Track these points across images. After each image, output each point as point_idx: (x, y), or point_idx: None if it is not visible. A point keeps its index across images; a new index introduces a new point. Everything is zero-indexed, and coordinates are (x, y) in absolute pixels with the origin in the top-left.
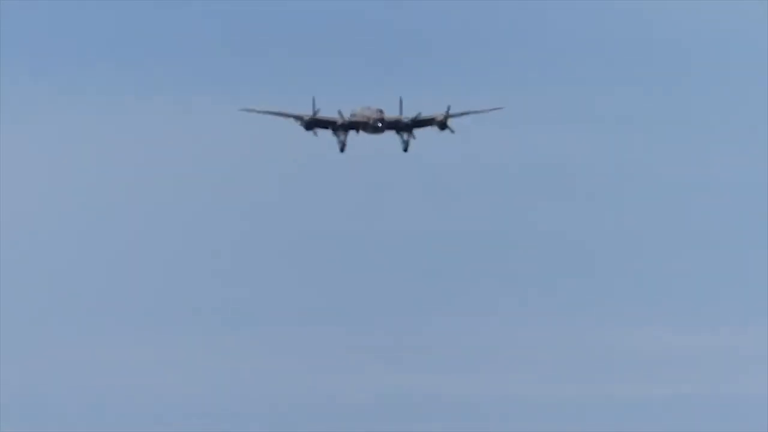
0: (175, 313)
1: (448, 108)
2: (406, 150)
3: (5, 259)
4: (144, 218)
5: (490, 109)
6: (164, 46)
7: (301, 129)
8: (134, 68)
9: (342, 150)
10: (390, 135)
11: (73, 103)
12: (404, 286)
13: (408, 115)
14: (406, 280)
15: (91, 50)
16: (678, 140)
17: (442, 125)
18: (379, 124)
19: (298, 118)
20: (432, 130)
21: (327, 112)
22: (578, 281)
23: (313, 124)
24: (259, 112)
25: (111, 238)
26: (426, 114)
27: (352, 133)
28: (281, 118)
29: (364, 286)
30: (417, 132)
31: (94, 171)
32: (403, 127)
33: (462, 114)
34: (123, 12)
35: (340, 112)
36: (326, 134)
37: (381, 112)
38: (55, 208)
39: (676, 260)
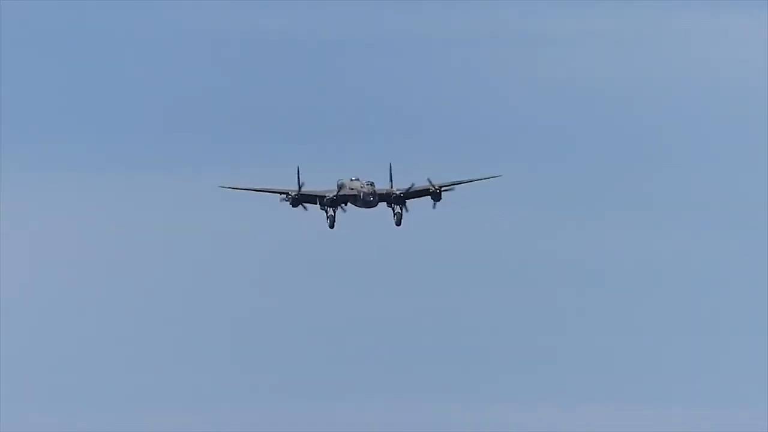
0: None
1: (429, 181)
2: (399, 224)
3: None
4: (120, 298)
5: (487, 178)
6: (143, 120)
7: (287, 205)
8: (112, 144)
9: (332, 226)
10: (382, 208)
11: (52, 179)
12: (391, 368)
13: (400, 186)
14: (396, 363)
15: (70, 126)
16: (678, 225)
17: (437, 196)
18: (371, 198)
19: (283, 193)
20: (426, 202)
21: (313, 186)
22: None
23: (300, 199)
24: (240, 189)
25: (85, 318)
26: (419, 185)
27: (341, 207)
28: (264, 195)
29: (353, 368)
30: (410, 203)
31: (70, 250)
32: (396, 200)
33: (457, 183)
34: (100, 86)
35: (325, 194)
36: (314, 209)
37: (372, 184)
38: (33, 288)
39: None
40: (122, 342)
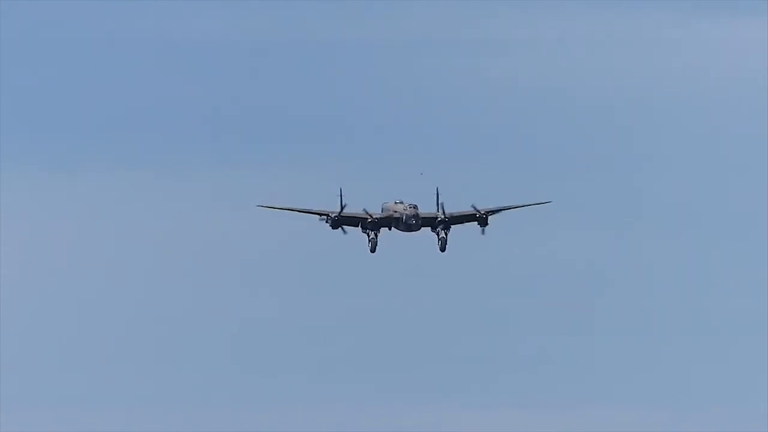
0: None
1: (474, 207)
2: (443, 249)
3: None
4: (158, 316)
5: (537, 203)
6: (182, 136)
7: (327, 227)
8: (149, 159)
9: (373, 250)
10: (425, 232)
11: (96, 200)
12: (435, 395)
13: (445, 210)
14: (442, 391)
15: (105, 148)
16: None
17: (483, 221)
18: (414, 221)
19: (323, 215)
20: (472, 227)
21: (355, 208)
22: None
23: (341, 221)
24: (278, 208)
25: (121, 337)
26: (465, 209)
27: (384, 230)
28: (303, 215)
29: (396, 397)
30: (455, 229)
31: (108, 265)
32: (440, 224)
33: (504, 209)
34: (144, 110)
35: (366, 211)
36: (355, 232)
37: (416, 207)
38: (63, 297)
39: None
40: (153, 363)
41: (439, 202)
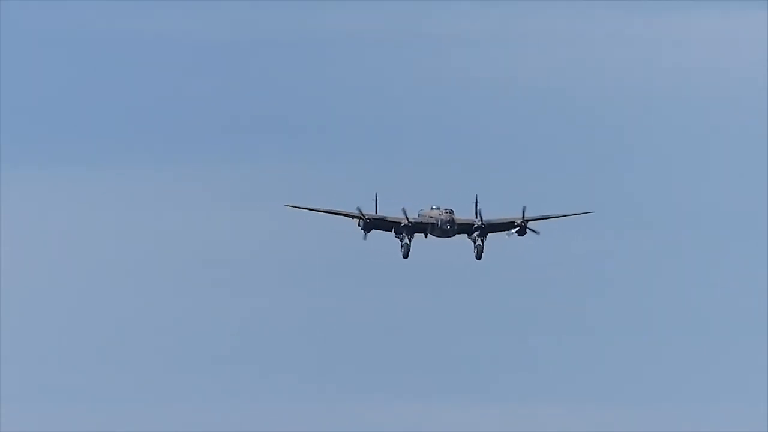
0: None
1: (524, 210)
2: (479, 257)
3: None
4: (183, 313)
5: (579, 213)
6: (211, 134)
7: (359, 230)
8: (176, 158)
9: (406, 255)
10: (461, 239)
11: (126, 197)
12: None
13: (483, 217)
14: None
15: (137, 148)
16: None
17: (522, 230)
18: (449, 226)
19: (355, 217)
20: (510, 236)
21: (389, 212)
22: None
23: (373, 224)
24: (307, 209)
25: (146, 333)
26: (503, 217)
27: (418, 236)
28: (334, 217)
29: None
30: (492, 237)
31: (133, 262)
32: (477, 231)
33: (545, 218)
34: (169, 109)
35: (404, 211)
36: (388, 237)
37: (451, 212)
38: (93, 297)
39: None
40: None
41: (478, 208)
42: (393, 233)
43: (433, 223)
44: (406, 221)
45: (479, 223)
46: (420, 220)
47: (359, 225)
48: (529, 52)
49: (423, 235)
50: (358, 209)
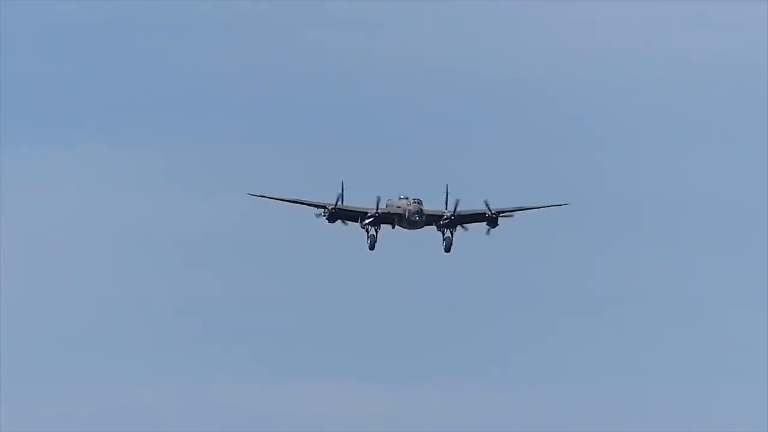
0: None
1: (486, 203)
2: (448, 250)
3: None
4: (140, 307)
5: (554, 205)
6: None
7: (323, 221)
8: (140, 144)
9: (372, 247)
10: (430, 231)
11: (89, 187)
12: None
13: (452, 208)
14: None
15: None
16: None
17: (493, 222)
18: (417, 217)
19: (319, 207)
20: (480, 227)
21: (354, 202)
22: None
23: (338, 215)
24: (270, 198)
25: (108, 324)
26: (473, 208)
27: (384, 227)
28: (297, 207)
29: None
30: (462, 229)
31: (93, 249)
32: (446, 223)
33: (519, 209)
34: (137, 95)
35: (377, 200)
36: (353, 228)
37: (420, 203)
38: (58, 291)
39: None
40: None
41: (449, 199)
42: (359, 224)
43: (400, 214)
44: (374, 211)
45: (449, 214)
46: (387, 211)
47: (323, 215)
48: (499, 38)
49: (390, 226)
50: (338, 195)
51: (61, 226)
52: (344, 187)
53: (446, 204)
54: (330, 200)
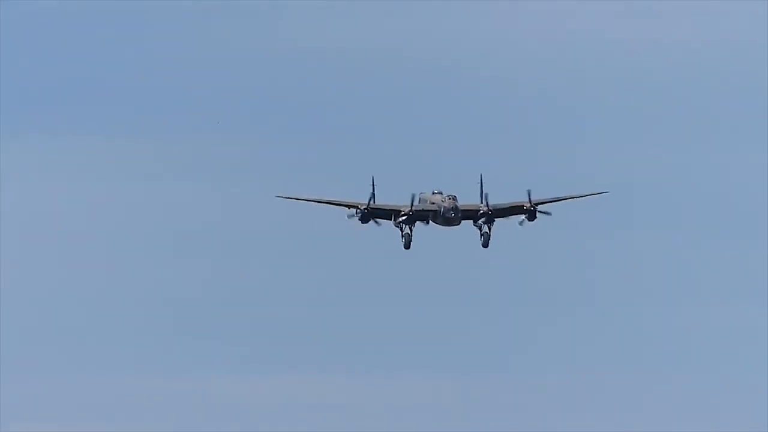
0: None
1: (529, 193)
2: (486, 245)
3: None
4: (165, 309)
5: (593, 194)
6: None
7: (356, 221)
8: (165, 146)
9: (407, 246)
10: (467, 226)
11: (113, 187)
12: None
13: (489, 202)
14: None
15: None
16: None
17: (532, 215)
18: (453, 214)
19: (352, 207)
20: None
21: (387, 199)
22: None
23: (371, 214)
24: (300, 199)
25: (136, 325)
26: (510, 201)
27: (419, 224)
28: (329, 207)
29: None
30: (500, 223)
31: (119, 250)
32: (483, 217)
33: (557, 200)
34: (160, 97)
35: (412, 198)
36: (388, 226)
37: (455, 199)
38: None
39: None
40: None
41: (483, 192)
42: (392, 222)
43: (435, 211)
44: (409, 209)
45: (485, 208)
46: (422, 207)
47: (355, 215)
48: (515, 29)
49: (424, 222)
50: (371, 195)
51: (63, 219)
52: (374, 184)
53: (481, 196)
54: (358, 199)
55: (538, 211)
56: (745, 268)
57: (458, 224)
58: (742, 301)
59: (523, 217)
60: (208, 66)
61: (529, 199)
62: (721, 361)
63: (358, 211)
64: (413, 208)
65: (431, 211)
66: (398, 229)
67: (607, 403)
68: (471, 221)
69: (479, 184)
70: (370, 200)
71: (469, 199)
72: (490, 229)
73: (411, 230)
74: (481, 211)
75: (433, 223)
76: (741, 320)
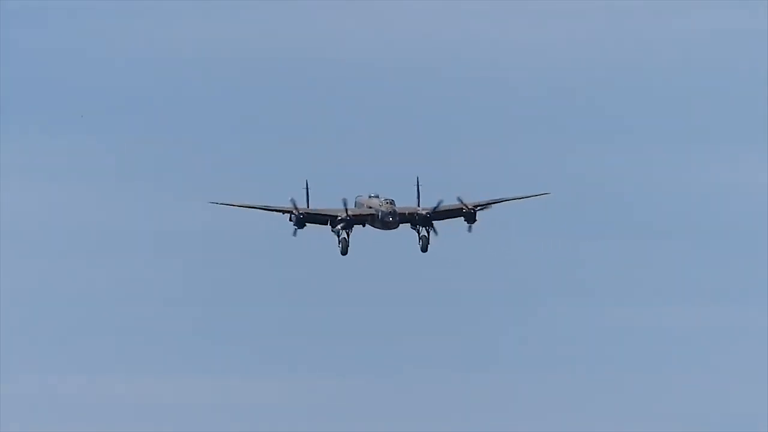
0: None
1: (460, 199)
2: (425, 249)
3: None
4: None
5: (534, 195)
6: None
7: (290, 226)
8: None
9: (344, 252)
10: (405, 230)
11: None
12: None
13: (427, 205)
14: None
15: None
16: None
17: (471, 217)
18: (391, 218)
19: (286, 212)
20: (458, 223)
21: (322, 204)
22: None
23: (306, 219)
24: (234, 205)
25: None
26: (449, 203)
27: (356, 228)
28: (262, 213)
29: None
30: (439, 226)
31: (51, 255)
32: (422, 221)
33: (496, 202)
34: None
35: (345, 203)
36: (323, 231)
37: (392, 203)
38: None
39: None
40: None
41: (420, 194)
42: (329, 227)
43: (373, 215)
44: (345, 214)
45: (423, 212)
46: (359, 212)
47: (290, 220)
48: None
49: (361, 226)
50: (292, 201)
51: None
52: (308, 188)
53: (418, 199)
54: (290, 205)
55: (477, 212)
56: (695, 270)
57: (396, 227)
58: (689, 302)
59: (468, 225)
60: (135, 65)
61: (462, 201)
62: (669, 362)
63: (293, 216)
64: (350, 213)
65: (369, 215)
66: (335, 234)
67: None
68: (409, 225)
69: (416, 187)
70: (304, 205)
71: (406, 203)
72: (429, 233)
73: (348, 235)
74: (419, 214)
75: (371, 227)
76: (688, 320)
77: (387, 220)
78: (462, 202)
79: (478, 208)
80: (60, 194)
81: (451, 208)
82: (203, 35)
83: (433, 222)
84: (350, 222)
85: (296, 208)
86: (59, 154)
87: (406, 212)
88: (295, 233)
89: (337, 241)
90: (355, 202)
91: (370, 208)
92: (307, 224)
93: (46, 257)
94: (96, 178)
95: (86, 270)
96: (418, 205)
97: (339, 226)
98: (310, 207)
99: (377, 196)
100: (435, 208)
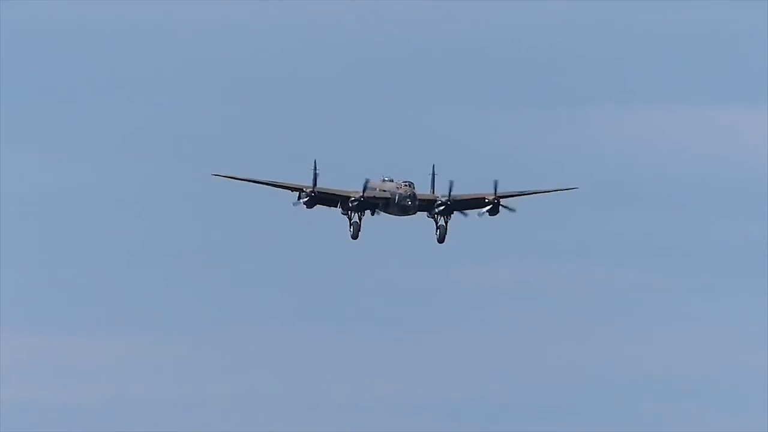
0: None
1: (496, 184)
2: (442, 240)
3: None
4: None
5: (561, 189)
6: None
7: (300, 206)
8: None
9: (355, 236)
10: (421, 218)
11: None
12: None
13: (446, 192)
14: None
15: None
16: None
17: (494, 208)
18: (409, 202)
19: (296, 190)
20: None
21: (335, 184)
22: None
23: (317, 199)
24: (239, 179)
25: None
26: (471, 192)
27: (369, 213)
28: (271, 189)
29: None
30: (458, 216)
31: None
32: (440, 209)
33: (522, 194)
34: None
35: (365, 183)
36: (334, 214)
37: (410, 185)
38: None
39: None
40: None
41: (435, 182)
42: (339, 209)
43: (389, 198)
44: (360, 195)
45: (443, 199)
46: (374, 195)
47: (300, 199)
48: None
49: (371, 212)
50: (314, 168)
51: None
52: (317, 169)
53: (433, 187)
54: (301, 182)
55: (501, 206)
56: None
57: (413, 213)
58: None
59: (484, 210)
60: (144, 40)
61: (495, 190)
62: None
63: (304, 194)
64: (365, 195)
65: (384, 198)
66: (346, 217)
67: None
68: (426, 213)
69: (431, 176)
70: (314, 183)
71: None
72: (447, 223)
73: (360, 219)
74: (438, 202)
75: (384, 213)
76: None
77: (405, 203)
78: (495, 190)
79: (504, 200)
80: (58, 164)
81: (474, 197)
82: (217, 5)
83: (453, 211)
84: (363, 204)
85: (313, 185)
86: (59, 122)
87: (425, 198)
88: (296, 204)
89: (348, 225)
90: (370, 187)
91: (385, 191)
92: (317, 205)
93: (45, 227)
94: (96, 148)
95: (80, 241)
96: (432, 192)
97: (353, 206)
98: (322, 187)
99: (391, 180)
100: (450, 191)
